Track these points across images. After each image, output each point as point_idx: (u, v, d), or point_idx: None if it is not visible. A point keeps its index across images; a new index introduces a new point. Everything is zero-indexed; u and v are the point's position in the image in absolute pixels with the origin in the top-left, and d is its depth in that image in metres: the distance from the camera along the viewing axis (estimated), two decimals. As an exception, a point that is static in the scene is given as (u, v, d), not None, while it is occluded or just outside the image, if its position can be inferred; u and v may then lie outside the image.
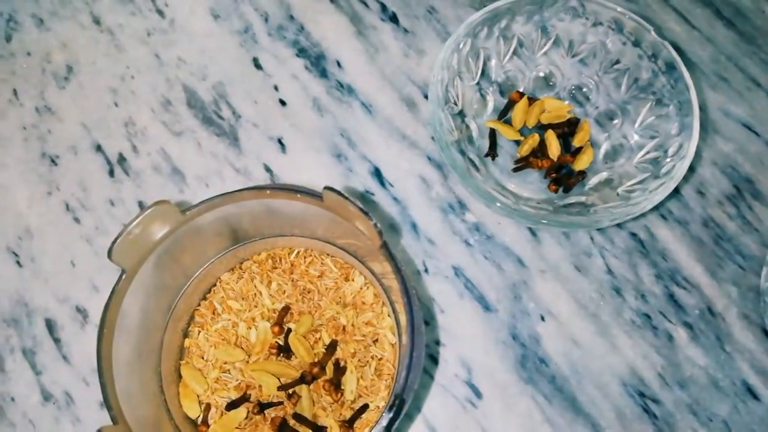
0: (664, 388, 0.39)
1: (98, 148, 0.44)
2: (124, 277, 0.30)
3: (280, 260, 0.40)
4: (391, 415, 0.26)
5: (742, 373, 0.39)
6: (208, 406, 0.36)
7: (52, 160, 0.44)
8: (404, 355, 0.29)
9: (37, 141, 0.44)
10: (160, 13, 0.48)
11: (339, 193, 0.29)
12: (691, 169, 0.43)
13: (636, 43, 0.41)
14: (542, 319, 0.40)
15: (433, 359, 0.40)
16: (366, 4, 0.48)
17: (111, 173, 0.44)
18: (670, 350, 0.40)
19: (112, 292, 0.30)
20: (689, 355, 0.40)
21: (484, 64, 0.43)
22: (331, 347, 0.37)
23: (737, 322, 0.40)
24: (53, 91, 0.46)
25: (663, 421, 0.38)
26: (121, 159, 0.44)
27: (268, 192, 0.32)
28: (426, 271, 0.42)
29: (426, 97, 0.45)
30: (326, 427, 0.35)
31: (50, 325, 0.40)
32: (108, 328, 0.29)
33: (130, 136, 0.45)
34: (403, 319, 0.37)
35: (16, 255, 0.42)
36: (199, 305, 0.39)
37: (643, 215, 0.42)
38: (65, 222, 0.42)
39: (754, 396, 0.39)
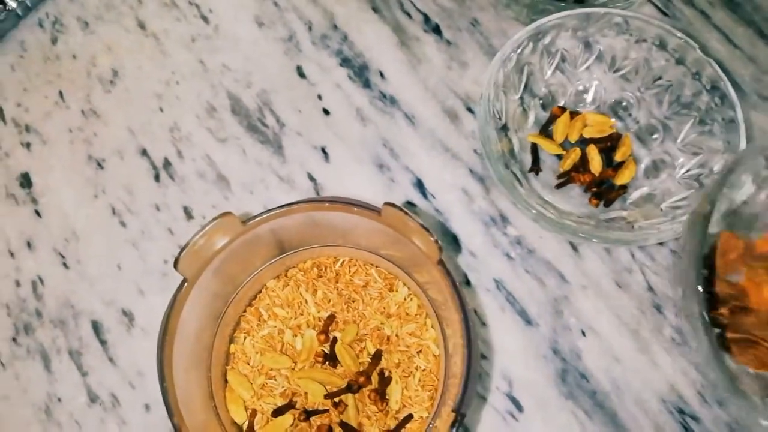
0: (704, 406, 0.39)
1: (144, 153, 0.45)
2: (185, 285, 0.30)
3: (326, 269, 0.40)
4: (454, 430, 0.26)
5: (782, 393, 0.39)
6: (254, 412, 0.37)
7: (99, 164, 0.45)
8: (454, 367, 0.30)
9: (83, 144, 0.45)
10: (205, 19, 0.48)
11: (400, 208, 0.30)
12: (732, 187, 0.44)
13: (679, 61, 0.42)
14: (583, 334, 0.41)
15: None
16: (409, 15, 0.48)
17: (156, 178, 0.44)
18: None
19: (174, 299, 0.30)
20: (729, 373, 0.40)
21: (528, 78, 0.44)
22: (377, 357, 0.37)
23: (777, 342, 0.40)
24: (99, 94, 0.46)
25: (702, 438, 0.39)
26: (167, 164, 0.44)
27: (327, 205, 0.32)
28: (468, 283, 0.42)
29: (469, 110, 0.45)
30: (373, 438, 0.36)
31: (96, 327, 0.41)
32: (169, 335, 0.29)
33: (175, 141, 0.45)
34: (447, 330, 0.37)
35: (63, 257, 0.42)
36: (245, 312, 0.39)
37: (684, 233, 0.42)
38: (111, 225, 0.43)
39: (794, 416, 0.39)
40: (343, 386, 0.37)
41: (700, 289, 0.32)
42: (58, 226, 0.43)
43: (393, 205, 0.29)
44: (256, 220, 0.32)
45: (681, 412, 0.39)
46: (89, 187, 0.44)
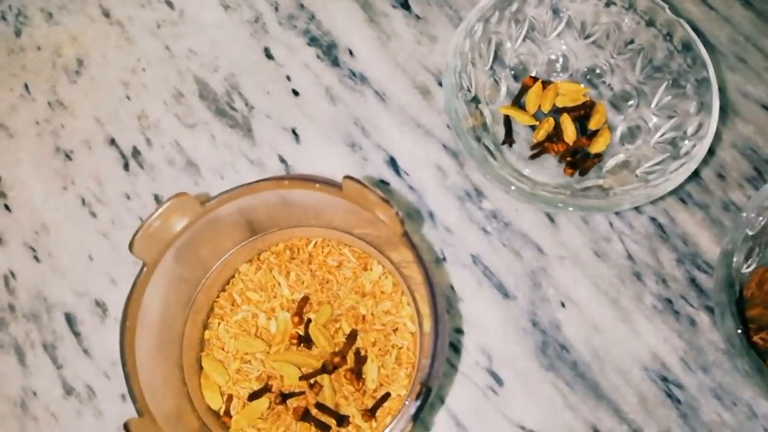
0: (687, 373, 0.39)
1: (112, 142, 0.44)
2: (145, 270, 0.30)
3: (298, 251, 0.39)
4: (418, 403, 0.26)
5: None
6: (230, 397, 0.36)
7: (67, 155, 0.44)
8: (428, 344, 0.29)
9: (51, 136, 0.44)
10: (170, 4, 0.48)
11: (359, 181, 0.29)
12: (711, 152, 0.43)
13: (650, 23, 0.41)
14: (562, 305, 0.40)
15: (454, 347, 0.39)
16: (377, -9, 0.47)
17: (126, 167, 0.44)
18: (692, 334, 0.39)
19: (134, 284, 0.29)
20: (712, 339, 0.39)
21: (497, 49, 0.43)
22: (352, 337, 0.37)
23: (760, 305, 0.40)
24: (65, 85, 0.46)
25: (686, 405, 0.38)
26: (136, 152, 0.44)
27: (287, 182, 0.31)
28: (444, 259, 0.41)
29: (440, 84, 0.45)
30: (348, 416, 0.35)
31: (70, 320, 0.40)
32: (130, 320, 0.29)
33: (143, 129, 0.44)
34: (422, 307, 0.36)
35: (34, 250, 0.42)
36: (218, 297, 0.39)
37: (662, 199, 0.42)
38: (81, 216, 0.42)
39: (778, 379, 0.38)
40: (318, 367, 0.36)
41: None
42: (27, 220, 0.43)
43: (352, 178, 0.29)
44: (216, 200, 0.31)
45: (664, 379, 0.39)
46: (58, 178, 0.43)
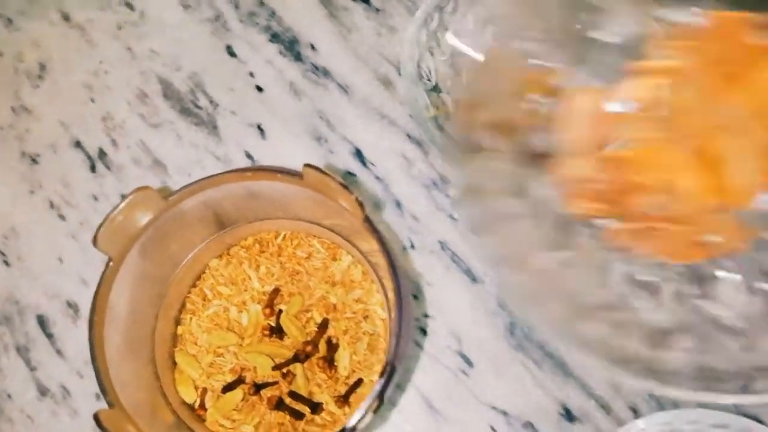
0: (650, 346, 0.40)
1: (77, 145, 0.44)
2: (111, 264, 0.30)
3: (267, 244, 0.40)
4: (383, 380, 0.27)
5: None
6: (204, 390, 0.37)
7: (33, 159, 0.44)
8: (393, 324, 0.30)
9: (16, 141, 0.44)
10: (130, 6, 0.48)
11: (318, 169, 0.30)
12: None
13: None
14: (528, 286, 0.41)
15: (423, 331, 0.40)
16: (336, -14, 0.48)
17: (92, 168, 0.44)
18: (654, 309, 0.41)
19: (101, 280, 0.30)
20: (673, 312, 0.40)
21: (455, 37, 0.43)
22: (323, 325, 0.37)
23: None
24: (28, 90, 0.46)
25: (650, 377, 0.39)
26: (102, 154, 0.44)
27: (249, 174, 0.32)
28: (412, 246, 0.42)
29: (401, 74, 0.45)
30: (322, 403, 0.36)
31: (42, 322, 0.41)
32: (98, 315, 0.29)
33: (108, 130, 0.45)
34: (391, 294, 0.37)
35: (3, 254, 0.42)
36: (189, 293, 0.39)
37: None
38: (50, 219, 0.43)
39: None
40: (290, 357, 0.37)
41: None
42: (-5, 225, 0.43)
43: (312, 166, 0.29)
44: (179, 194, 0.32)
45: (629, 354, 0.40)
46: (25, 182, 0.43)
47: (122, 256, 0.31)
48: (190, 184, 0.32)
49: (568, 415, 0.39)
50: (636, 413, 0.39)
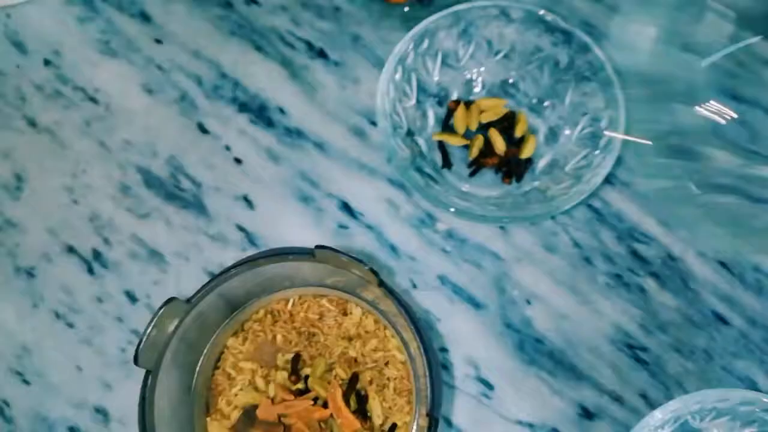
0: (648, 336, 0.43)
1: (71, 250, 0.45)
2: (150, 377, 0.31)
3: (279, 313, 0.41)
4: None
5: (709, 304, 0.44)
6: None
7: (29, 273, 0.44)
8: (420, 367, 0.32)
9: (8, 257, 0.44)
10: (93, 100, 0.48)
11: (330, 249, 0.31)
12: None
13: (549, 29, 0.45)
14: (528, 303, 0.44)
15: (443, 366, 0.43)
16: (292, 46, 0.49)
17: (90, 271, 0.44)
18: (644, 301, 0.44)
19: (143, 395, 0.31)
20: (661, 300, 0.44)
21: (417, 83, 0.46)
22: (353, 380, 0.39)
23: (695, 261, 0.45)
24: (9, 204, 0.46)
25: (654, 364, 0.43)
26: (96, 254, 0.45)
27: (261, 261, 0.34)
28: (414, 286, 0.44)
29: (372, 123, 0.47)
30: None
31: (74, 433, 0.41)
32: (149, 428, 0.30)
33: (98, 230, 0.45)
34: (405, 334, 0.39)
35: (20, 374, 0.42)
36: (213, 375, 0.40)
37: (593, 186, 0.46)
38: (59, 330, 0.43)
39: (724, 322, 0.43)
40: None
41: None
42: (7, 346, 0.43)
43: (323, 247, 0.31)
44: (199, 294, 0.33)
45: (630, 347, 0.43)
46: (26, 298, 0.44)
47: (158, 365, 0.32)
48: (208, 283, 0.33)
49: (587, 414, 0.42)
50: (646, 399, 0.42)
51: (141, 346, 0.30)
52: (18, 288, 0.44)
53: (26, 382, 0.42)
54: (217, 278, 0.33)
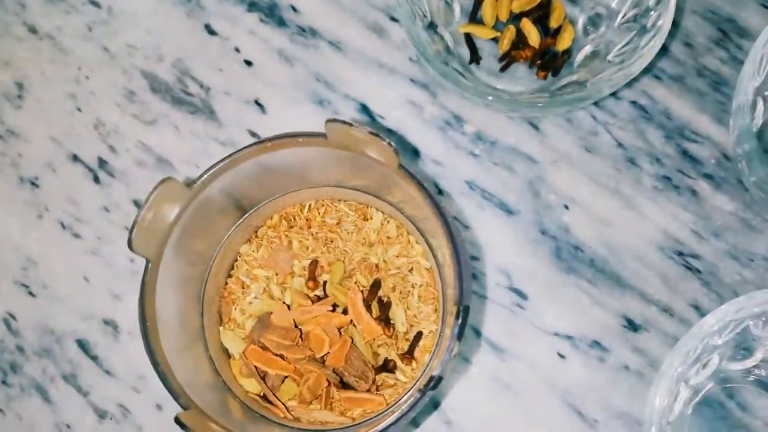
0: (701, 242, 0.39)
1: (75, 158, 0.42)
2: (150, 266, 0.29)
3: (294, 218, 0.38)
4: (459, 322, 0.26)
5: (771, 207, 0.39)
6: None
7: (33, 183, 0.42)
8: (449, 274, 0.29)
9: (11, 167, 0.42)
10: (95, 3, 0.45)
11: (343, 121, 0.28)
12: (674, 23, 0.42)
13: None
14: (566, 207, 0.40)
15: (473, 275, 0.39)
16: (304, -60, 0.45)
17: (96, 180, 0.42)
18: (696, 205, 0.40)
19: (143, 283, 0.28)
20: (716, 204, 0.40)
21: (442, -31, 0.41)
22: (375, 286, 0.36)
23: (754, 159, 0.40)
24: (10, 112, 0.43)
25: (707, 272, 0.39)
26: (102, 163, 0.42)
27: (270, 144, 0.30)
28: (441, 192, 0.41)
29: (392, 19, 0.43)
30: (393, 361, 0.35)
31: (83, 345, 0.39)
32: (150, 320, 0.28)
33: (103, 137, 0.43)
34: (432, 240, 0.36)
35: (26, 286, 0.40)
36: (226, 284, 0.38)
37: (638, 80, 0.41)
38: (65, 240, 0.41)
39: (788, 225, 0.39)
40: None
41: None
42: (12, 257, 0.41)
43: (335, 120, 0.28)
44: (202, 180, 0.30)
45: (680, 254, 0.39)
46: (31, 208, 0.42)
47: (158, 255, 0.29)
48: (212, 167, 0.30)
49: (632, 325, 0.38)
50: (698, 310, 0.38)
51: (136, 227, 0.27)
52: (22, 198, 0.42)
53: (32, 294, 0.40)
54: (221, 163, 0.30)
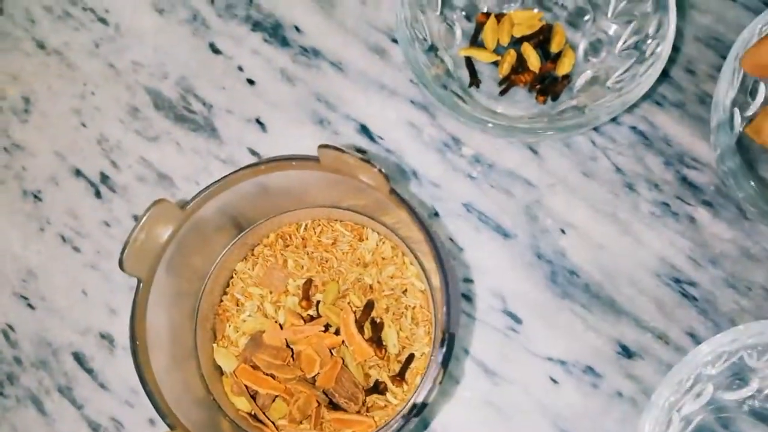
0: (698, 270, 0.39)
1: (78, 173, 0.43)
2: (141, 286, 0.29)
3: (290, 237, 0.39)
4: (443, 350, 0.26)
5: (770, 236, 0.39)
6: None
7: (35, 196, 0.43)
8: (440, 296, 0.29)
9: (15, 180, 0.43)
10: (103, 21, 0.46)
11: (335, 148, 0.28)
12: (675, 49, 0.42)
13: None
14: (563, 232, 0.40)
15: (466, 297, 0.39)
16: (309, -38, 0.46)
17: (97, 194, 0.42)
18: (694, 232, 0.39)
19: (134, 303, 0.29)
20: (714, 231, 0.39)
21: (444, -7, 0.42)
22: (368, 307, 0.36)
23: (754, 188, 0.40)
24: (17, 126, 0.44)
25: (703, 301, 0.38)
26: (104, 178, 0.43)
27: (263, 167, 0.31)
28: (437, 214, 0.41)
29: (394, 41, 0.44)
30: (384, 383, 0.35)
31: (79, 358, 0.40)
32: (140, 340, 0.28)
33: (106, 152, 0.43)
34: (426, 263, 0.36)
35: (26, 298, 0.41)
36: (221, 301, 0.38)
37: (638, 106, 0.41)
38: (65, 254, 0.41)
39: (787, 254, 0.39)
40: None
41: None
42: (12, 269, 0.41)
43: (327, 146, 0.28)
44: (195, 201, 0.30)
45: (677, 281, 0.39)
46: (32, 222, 0.42)
47: (151, 275, 0.29)
48: (205, 189, 0.31)
49: (627, 352, 0.38)
50: (694, 338, 0.38)
51: (127, 248, 0.27)
52: (24, 212, 0.42)
53: (31, 306, 0.41)
54: (216, 183, 0.31)
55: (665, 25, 0.37)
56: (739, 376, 0.35)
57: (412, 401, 0.26)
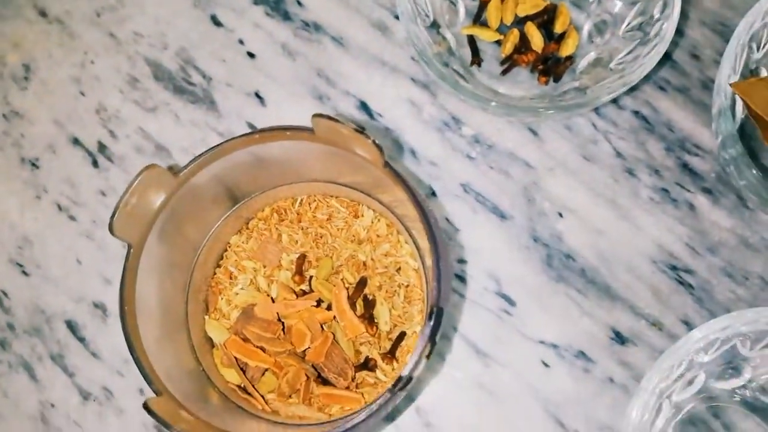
0: (695, 257, 0.38)
1: (76, 142, 0.43)
2: (131, 251, 0.29)
3: (285, 212, 0.39)
4: (431, 323, 0.25)
5: (770, 225, 0.38)
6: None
7: (33, 164, 0.43)
8: (432, 266, 0.28)
9: (13, 147, 0.43)
10: (105, -10, 0.46)
11: (329, 117, 0.28)
12: (680, 33, 0.42)
13: None
14: (560, 215, 0.40)
15: (460, 278, 0.39)
16: (314, -64, 0.45)
17: (95, 164, 0.42)
18: (693, 219, 0.39)
19: (124, 268, 0.29)
20: (714, 219, 0.39)
21: (449, -31, 0.41)
22: (361, 283, 0.36)
23: (756, 176, 0.39)
24: (16, 93, 0.44)
25: (700, 289, 0.38)
26: (102, 147, 0.43)
27: (257, 137, 0.30)
28: (434, 194, 0.40)
29: (397, 17, 0.43)
30: (374, 360, 0.35)
31: (72, 326, 0.40)
32: (128, 305, 0.28)
33: (104, 122, 0.43)
34: (421, 242, 0.36)
35: (21, 265, 0.41)
36: (214, 273, 0.38)
37: (641, 90, 0.41)
38: (61, 222, 0.41)
39: (786, 244, 0.38)
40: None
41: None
42: (8, 236, 0.41)
43: (321, 115, 0.28)
44: (189, 168, 0.30)
45: (674, 268, 0.38)
46: (29, 189, 0.42)
47: (141, 241, 0.29)
48: (199, 157, 0.30)
49: (620, 338, 0.38)
50: (689, 325, 0.38)
51: (117, 212, 0.27)
52: (21, 179, 0.42)
53: (26, 273, 0.41)
54: (209, 152, 0.30)
55: (670, 5, 0.36)
56: (731, 364, 0.35)
57: (399, 376, 0.26)
